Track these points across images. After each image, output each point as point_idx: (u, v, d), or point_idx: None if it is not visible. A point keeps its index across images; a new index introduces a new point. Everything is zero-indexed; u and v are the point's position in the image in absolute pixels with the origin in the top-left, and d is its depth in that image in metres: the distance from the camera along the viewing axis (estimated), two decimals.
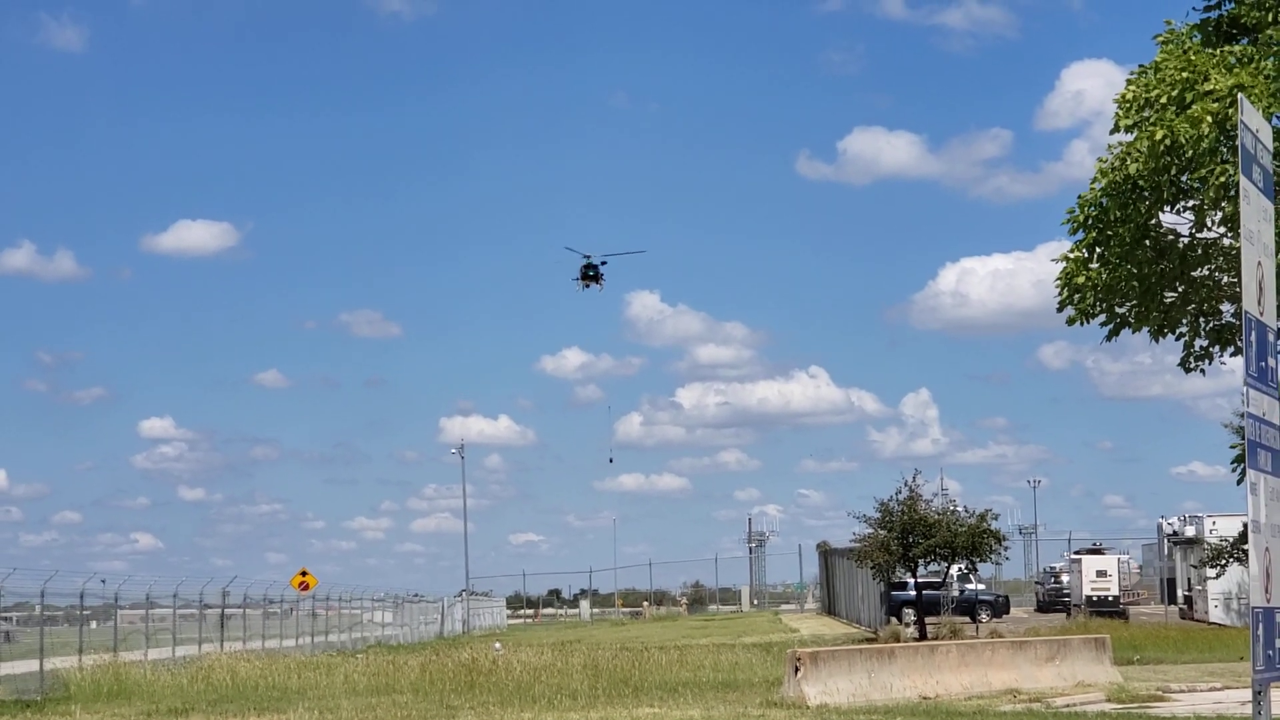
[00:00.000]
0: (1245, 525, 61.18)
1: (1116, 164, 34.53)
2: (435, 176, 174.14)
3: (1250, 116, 16.26)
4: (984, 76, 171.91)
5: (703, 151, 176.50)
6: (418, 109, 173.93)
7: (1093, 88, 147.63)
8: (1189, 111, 31.88)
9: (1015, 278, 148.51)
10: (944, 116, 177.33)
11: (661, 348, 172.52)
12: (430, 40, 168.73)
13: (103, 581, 51.95)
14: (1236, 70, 31.79)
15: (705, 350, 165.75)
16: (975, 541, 57.49)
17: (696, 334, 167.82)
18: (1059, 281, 37.61)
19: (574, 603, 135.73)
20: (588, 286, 66.20)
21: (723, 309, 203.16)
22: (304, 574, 71.81)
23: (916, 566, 59.35)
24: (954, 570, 63.48)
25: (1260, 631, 15.16)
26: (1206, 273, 36.53)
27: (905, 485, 58.58)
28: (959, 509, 59.06)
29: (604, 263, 66.12)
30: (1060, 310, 37.86)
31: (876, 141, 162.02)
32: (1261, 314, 15.95)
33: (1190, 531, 74.06)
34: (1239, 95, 19.27)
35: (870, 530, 58.68)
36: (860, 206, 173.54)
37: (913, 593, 62.16)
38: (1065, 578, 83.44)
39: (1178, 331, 37.67)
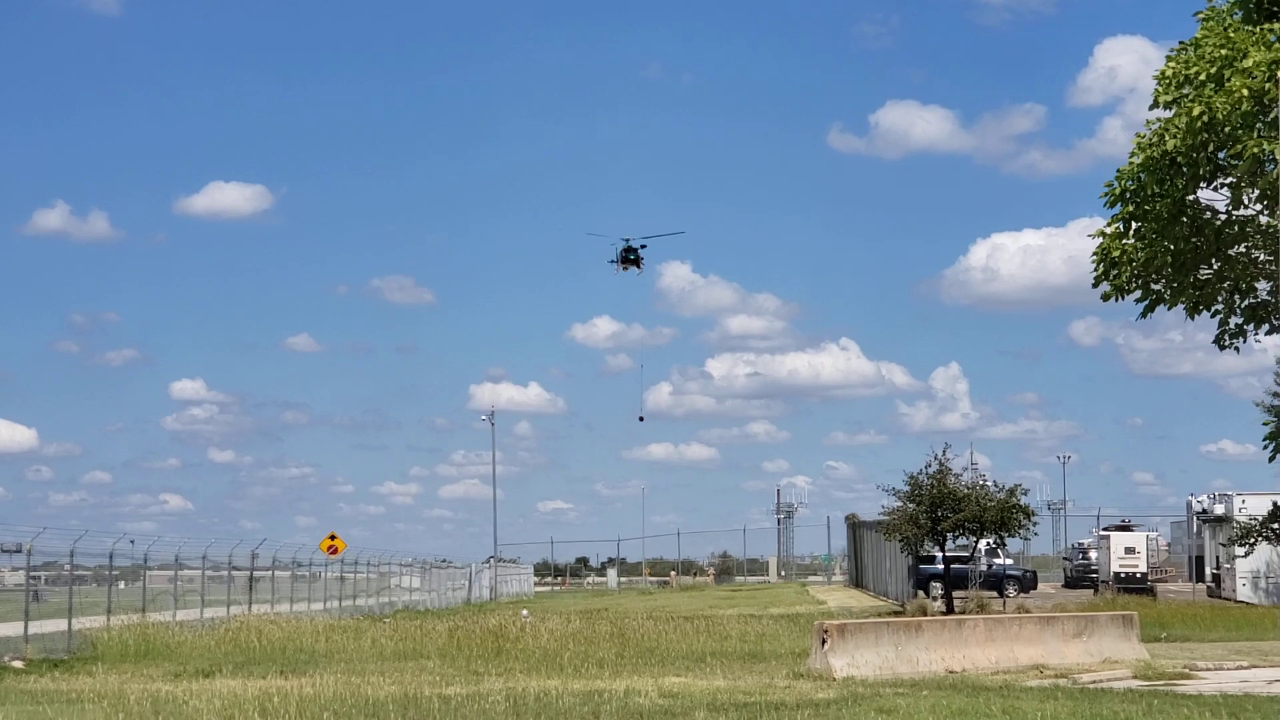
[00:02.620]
0: (1275, 504, 60.80)
1: (1154, 140, 34.37)
2: (469, 144, 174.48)
3: None
4: (1018, 51, 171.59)
5: (735, 124, 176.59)
6: (453, 77, 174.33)
7: (1127, 64, 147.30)
8: (1227, 87, 31.71)
9: (1047, 254, 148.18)
10: (977, 91, 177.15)
11: (693, 318, 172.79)
12: (465, 9, 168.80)
13: (131, 542, 52.13)
14: (1276, 47, 31.59)
15: (736, 321, 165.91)
16: (1004, 516, 57.32)
17: (728, 305, 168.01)
18: (1095, 257, 37.47)
19: (601, 571, 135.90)
20: (626, 269, 65.79)
21: (754, 280, 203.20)
22: (333, 538, 71.93)
23: (945, 540, 59.22)
24: (982, 545, 63.33)
25: None
26: (1243, 250, 36.37)
27: (935, 459, 58.46)
28: (988, 483, 58.93)
29: (643, 246, 65.80)
30: (1096, 285, 37.72)
31: (909, 115, 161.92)
32: None
33: (1219, 509, 73.80)
34: (1278, 71, 19.13)
35: (899, 503, 58.55)
36: (892, 180, 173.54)
37: (940, 566, 62.05)
38: (1093, 554, 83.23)
39: (1213, 309, 37.50)
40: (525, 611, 60.23)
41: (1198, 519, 79.85)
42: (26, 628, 40.89)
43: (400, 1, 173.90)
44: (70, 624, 43.36)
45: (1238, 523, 65.83)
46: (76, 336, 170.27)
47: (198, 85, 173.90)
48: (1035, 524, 59.87)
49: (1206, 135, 32.79)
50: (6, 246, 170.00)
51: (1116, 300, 37.51)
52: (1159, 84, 34.41)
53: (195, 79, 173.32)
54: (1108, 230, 36.91)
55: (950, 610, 56.79)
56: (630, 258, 65.58)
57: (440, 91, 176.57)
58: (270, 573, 65.25)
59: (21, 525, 51.02)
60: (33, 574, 45.55)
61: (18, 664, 37.01)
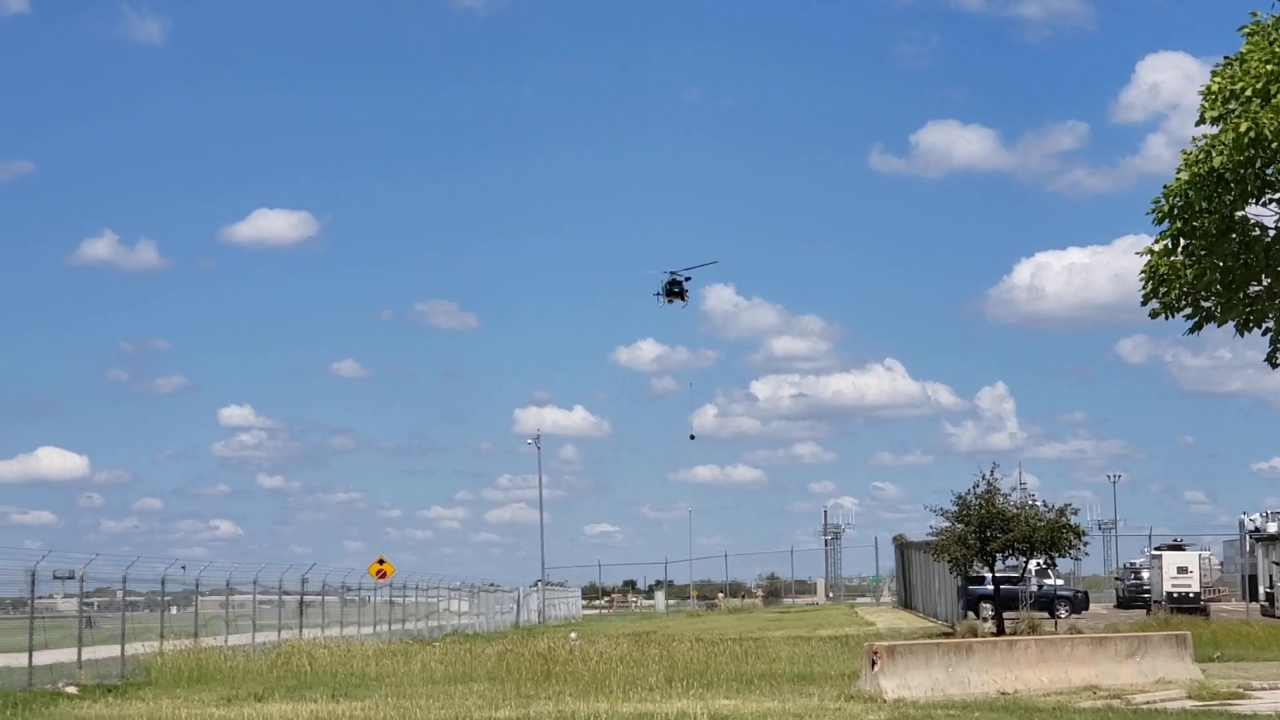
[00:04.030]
0: None
1: (1201, 156, 34.22)
2: (511, 169, 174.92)
3: None
4: (1060, 69, 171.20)
5: (776, 146, 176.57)
6: (495, 102, 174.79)
7: (1169, 80, 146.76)
8: (1274, 102, 31.59)
9: (1092, 272, 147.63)
10: (1019, 109, 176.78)
11: (737, 340, 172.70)
12: (505, 34, 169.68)
13: (183, 568, 52.34)
14: None
15: (780, 343, 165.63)
16: (1054, 536, 57.07)
17: (772, 326, 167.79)
18: (1143, 274, 37.30)
19: (649, 594, 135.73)
20: (671, 302, 65.80)
21: (798, 302, 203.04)
22: (381, 562, 72.09)
23: (994, 561, 58.99)
24: (1032, 565, 63.06)
25: None
26: None
27: (983, 479, 58.28)
28: (1037, 503, 58.69)
29: (688, 278, 65.85)
30: (1145, 303, 37.51)
31: (950, 135, 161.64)
32: None
33: (1272, 528, 73.34)
34: None
35: (947, 524, 58.36)
36: (934, 200, 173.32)
37: (990, 587, 61.82)
38: (1145, 574, 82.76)
39: (1263, 325, 37.32)
40: (573, 634, 60.23)
41: (1250, 538, 79.37)
42: (80, 653, 41.09)
43: (441, 27, 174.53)
44: (123, 649, 43.56)
45: None
46: (126, 364, 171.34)
47: (242, 113, 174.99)
48: (1086, 544, 59.66)
49: (1254, 151, 32.63)
50: (56, 276, 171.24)
51: (1166, 318, 37.31)
52: (1204, 100, 34.25)
53: (239, 107, 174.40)
54: (1155, 247, 36.71)
55: (1001, 631, 56.57)
56: (675, 290, 65.59)
57: (483, 116, 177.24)
58: (320, 597, 65.43)
59: (74, 552, 51.36)
60: (86, 600, 45.77)
61: (72, 690, 37.18)
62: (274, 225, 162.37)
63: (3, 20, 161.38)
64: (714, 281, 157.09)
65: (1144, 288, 37.42)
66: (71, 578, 43.35)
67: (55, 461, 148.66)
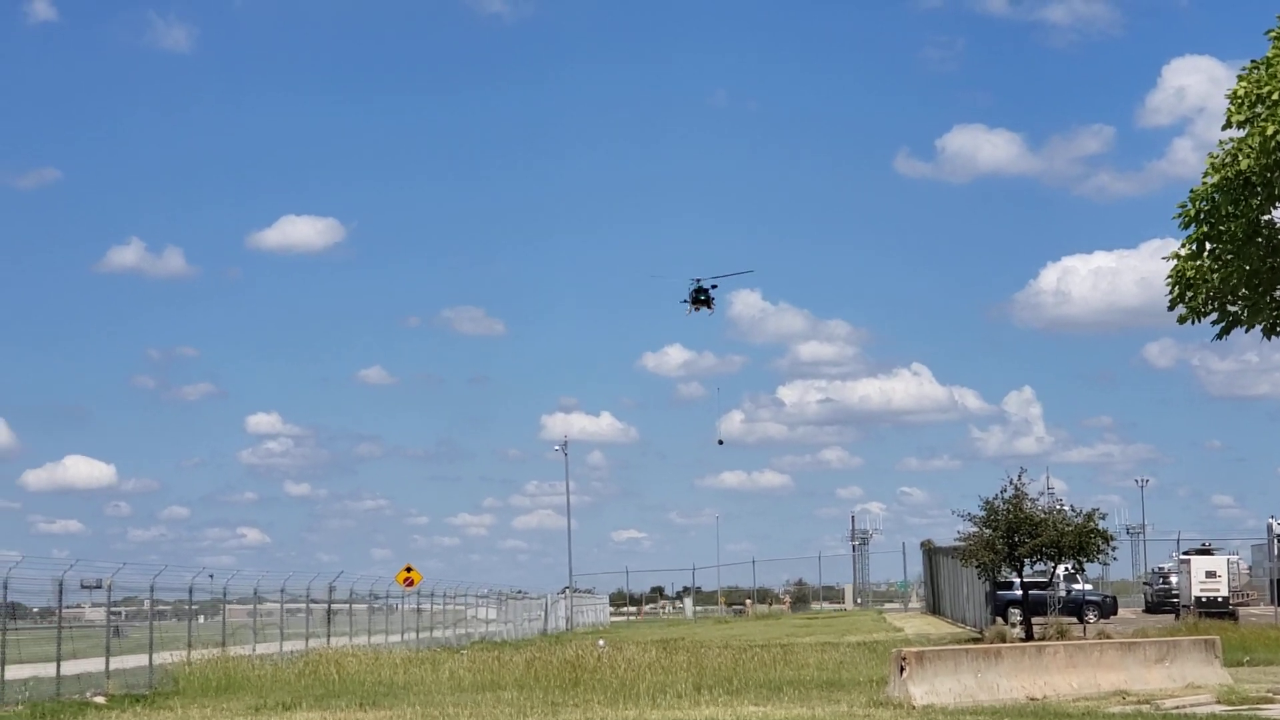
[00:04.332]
0: None
1: (1228, 160, 34.16)
2: (537, 174, 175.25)
3: None
4: (1085, 73, 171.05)
5: (802, 149, 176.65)
6: (521, 107, 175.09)
7: (1195, 84, 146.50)
8: None
9: (1118, 276, 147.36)
10: (1044, 113, 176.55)
11: (764, 345, 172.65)
12: (531, 39, 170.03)
13: (210, 576, 52.43)
14: None
15: (807, 348, 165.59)
16: (1082, 541, 56.87)
17: (798, 332, 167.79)
18: (1170, 279, 37.21)
19: (677, 600, 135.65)
20: (697, 310, 65.52)
21: (824, 307, 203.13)
22: (409, 570, 72.14)
23: (1022, 566, 58.82)
24: (1060, 570, 62.85)
25: None
26: None
27: (1010, 483, 58.07)
28: (1065, 508, 58.46)
29: (714, 286, 65.56)
30: (1172, 308, 37.46)
31: (976, 139, 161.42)
32: None
33: None
34: None
35: (975, 529, 58.18)
36: (960, 205, 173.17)
37: (1019, 592, 61.64)
38: (1174, 578, 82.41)
39: None
40: (601, 641, 60.21)
41: (1278, 541, 79.05)
42: (108, 663, 41.18)
43: (467, 32, 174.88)
44: (151, 659, 43.65)
45: None
46: (153, 371, 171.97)
47: (268, 120, 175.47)
48: (1114, 548, 59.38)
49: None
50: (83, 283, 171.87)
51: (1193, 322, 37.26)
52: (1231, 104, 34.19)
53: (265, 113, 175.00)
54: (1182, 252, 36.67)
55: (1030, 636, 56.40)
56: (701, 298, 65.29)
57: (509, 121, 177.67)
58: (348, 605, 65.48)
59: (101, 561, 51.38)
60: (113, 609, 45.85)
61: (100, 699, 37.27)
62: (301, 232, 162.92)
63: (30, 28, 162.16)
64: (740, 287, 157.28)
65: (1171, 292, 37.36)
66: (99, 587, 43.45)
67: (83, 470, 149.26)
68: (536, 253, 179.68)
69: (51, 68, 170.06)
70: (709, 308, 65.61)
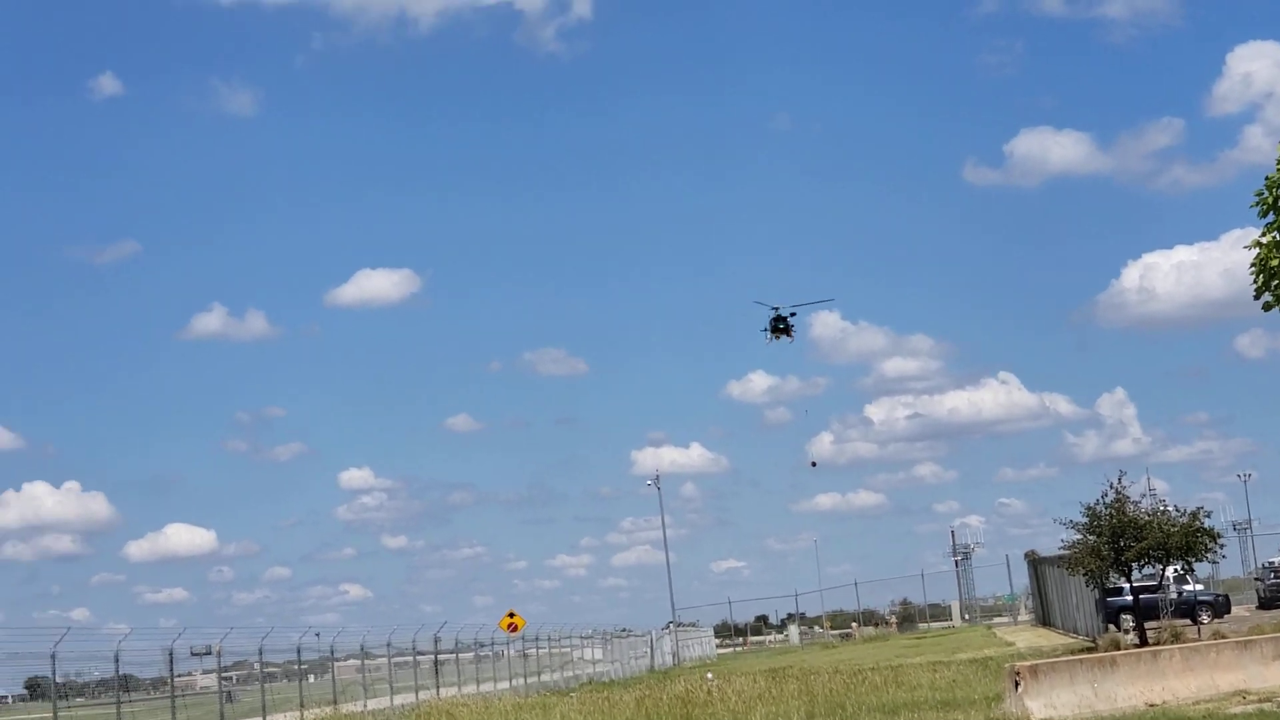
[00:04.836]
0: None
1: None
2: (607, 209, 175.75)
3: None
4: (1149, 67, 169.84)
5: (868, 168, 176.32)
6: (587, 144, 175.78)
7: (1261, 70, 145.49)
8: None
9: (1202, 269, 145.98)
10: (1111, 111, 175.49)
11: (847, 365, 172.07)
12: (592, 77, 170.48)
13: (317, 635, 52.69)
14: None
15: (891, 364, 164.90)
16: (1189, 541, 56.15)
17: (881, 349, 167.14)
18: (1253, 267, 36.79)
19: (782, 628, 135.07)
20: (777, 339, 65.37)
21: (905, 322, 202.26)
22: (512, 615, 72.13)
23: (1130, 570, 58.15)
24: (1169, 572, 62.10)
25: None
26: None
27: (1111, 487, 57.43)
28: (1169, 509, 57.78)
29: (793, 314, 65.40)
30: (1257, 297, 37.02)
31: (1044, 142, 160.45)
32: None
33: None
34: None
35: (1078, 536, 57.58)
36: (1033, 209, 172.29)
37: (1129, 598, 60.92)
38: None
39: None
40: (710, 675, 59.95)
41: None
42: None
43: (529, 77, 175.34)
44: None
45: None
46: (244, 435, 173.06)
47: (337, 176, 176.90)
48: (1222, 546, 58.61)
49: None
50: (169, 353, 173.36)
51: None
52: None
53: (333, 170, 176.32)
54: (1263, 240, 36.26)
55: (1144, 642, 55.72)
56: (780, 327, 65.12)
57: (574, 159, 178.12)
58: (454, 655, 65.55)
59: (209, 627, 51.80)
60: (224, 674, 46.07)
61: None
62: (377, 285, 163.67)
63: (98, 103, 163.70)
64: (820, 308, 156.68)
65: (1255, 281, 36.90)
66: (209, 653, 43.71)
67: (184, 537, 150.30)
68: (613, 289, 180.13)
69: (121, 140, 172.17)
70: (789, 336, 65.43)
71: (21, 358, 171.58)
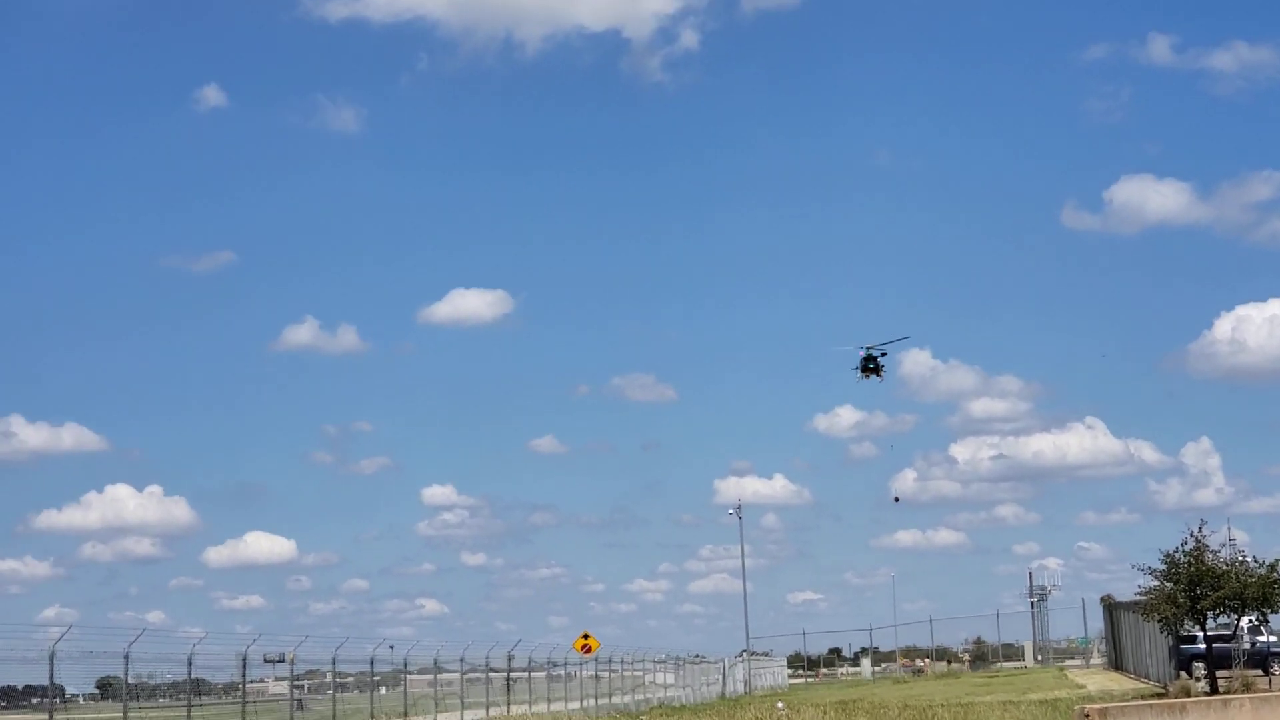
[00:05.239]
0: None
1: None
2: (703, 238, 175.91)
3: None
4: (1253, 119, 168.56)
5: (968, 206, 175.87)
6: (684, 172, 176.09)
7: None
8: None
9: None
10: (1213, 161, 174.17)
11: (935, 403, 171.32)
12: (694, 105, 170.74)
13: (391, 648, 53.11)
14: None
15: (979, 404, 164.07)
16: (1265, 592, 55.94)
17: (969, 388, 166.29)
18: None
19: (855, 661, 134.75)
20: (868, 378, 65.64)
21: (995, 363, 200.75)
22: (586, 637, 72.41)
23: (1205, 619, 57.92)
24: (1244, 622, 61.81)
25: None
26: None
27: (1190, 536, 57.30)
28: (1248, 559, 57.54)
29: (884, 354, 65.65)
30: None
31: (1144, 190, 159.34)
32: None
33: None
34: None
35: (1156, 583, 57.45)
36: (1130, 256, 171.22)
37: (1202, 646, 60.66)
38: None
39: None
40: (781, 704, 60.04)
41: None
42: None
43: (632, 105, 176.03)
44: None
45: None
46: (330, 448, 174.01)
47: (435, 195, 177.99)
48: None
49: None
50: (261, 363, 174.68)
51: None
52: None
53: (432, 189, 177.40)
54: None
55: (1214, 690, 55.48)
56: (870, 366, 65.36)
57: (671, 188, 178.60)
58: (527, 673, 65.87)
59: (284, 635, 52.31)
60: (296, 682, 46.53)
61: None
62: (470, 304, 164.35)
63: (202, 114, 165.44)
64: (910, 346, 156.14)
65: None
66: (282, 660, 44.18)
67: (264, 545, 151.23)
68: (705, 318, 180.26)
69: (223, 152, 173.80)
70: (879, 375, 65.62)
71: (112, 361, 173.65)
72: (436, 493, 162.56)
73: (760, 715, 46.91)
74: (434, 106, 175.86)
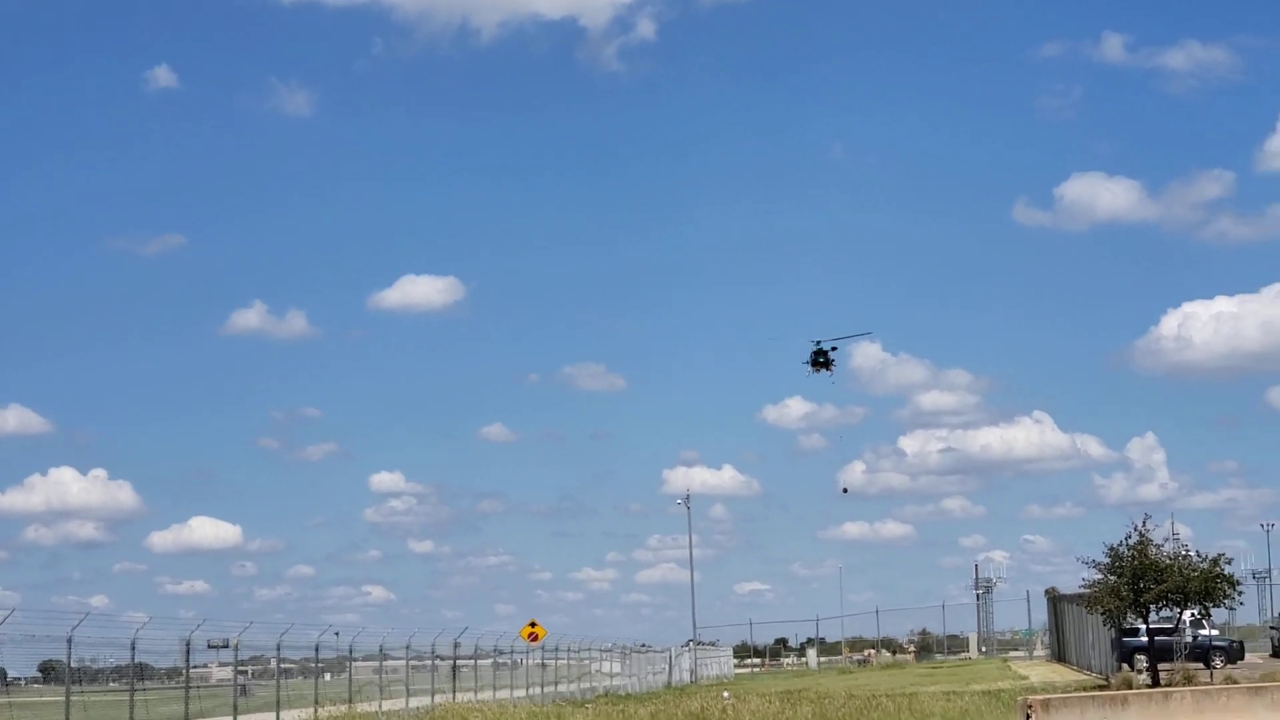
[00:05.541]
0: None
1: None
2: (655, 229, 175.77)
3: None
4: (1204, 118, 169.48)
5: (919, 201, 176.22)
6: (637, 163, 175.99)
7: None
8: None
9: (1240, 321, 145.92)
10: (1163, 160, 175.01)
11: (884, 396, 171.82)
12: (649, 96, 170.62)
13: (336, 634, 52.94)
14: None
15: (928, 398, 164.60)
16: (1208, 586, 56.38)
17: (919, 382, 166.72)
18: None
19: (801, 651, 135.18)
20: (818, 372, 65.89)
21: (945, 357, 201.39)
22: (533, 625, 72.43)
23: (1148, 612, 58.32)
24: (1186, 616, 62.25)
25: None
26: None
27: (1135, 530, 57.70)
28: (1190, 554, 57.98)
29: (834, 348, 65.86)
30: None
31: (1094, 187, 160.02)
32: None
33: None
34: None
35: (1100, 576, 57.83)
36: (1079, 253, 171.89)
37: (1144, 639, 61.04)
38: None
39: None
40: (726, 693, 60.16)
41: None
42: None
43: (587, 95, 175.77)
44: (279, 717, 44.09)
45: None
46: (277, 433, 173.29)
47: (388, 180, 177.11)
48: (1240, 594, 58.83)
49: None
50: (208, 347, 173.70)
51: None
52: None
53: (385, 174, 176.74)
54: None
55: (1156, 683, 55.88)
56: (820, 361, 65.61)
57: (624, 178, 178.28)
58: (473, 661, 65.82)
59: (228, 621, 52.09)
60: (240, 668, 46.41)
61: None
62: (421, 291, 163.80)
63: (152, 94, 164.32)
64: (860, 339, 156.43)
65: None
66: (225, 646, 44.05)
67: (209, 531, 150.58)
68: (656, 308, 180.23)
69: (173, 134, 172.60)
70: (829, 370, 65.88)
71: (57, 343, 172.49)
72: (384, 479, 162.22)
73: (706, 704, 46.95)
74: (388, 92, 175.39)
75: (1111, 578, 57.26)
